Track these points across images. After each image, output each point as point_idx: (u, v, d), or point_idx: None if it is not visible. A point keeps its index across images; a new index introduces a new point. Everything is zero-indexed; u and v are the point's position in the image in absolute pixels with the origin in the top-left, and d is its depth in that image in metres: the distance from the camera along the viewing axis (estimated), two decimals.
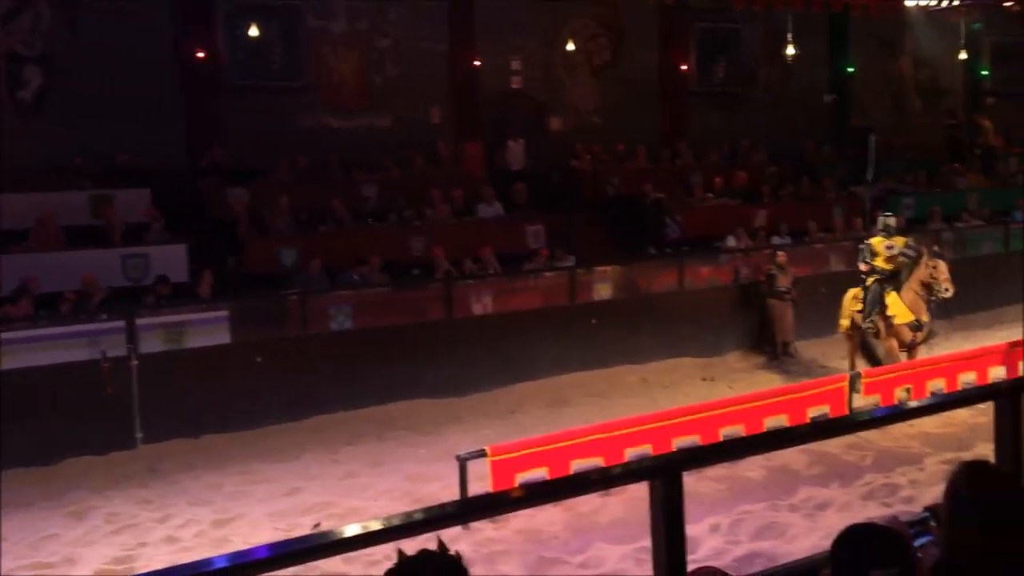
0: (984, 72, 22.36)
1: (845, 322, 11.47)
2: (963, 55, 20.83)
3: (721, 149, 18.41)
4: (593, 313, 12.71)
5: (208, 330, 10.73)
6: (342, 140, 15.71)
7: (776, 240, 15.33)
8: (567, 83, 18.00)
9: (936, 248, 11.42)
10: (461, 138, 16.37)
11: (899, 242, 11.26)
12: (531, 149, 16.72)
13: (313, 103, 15.73)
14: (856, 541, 2.32)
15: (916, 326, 10.81)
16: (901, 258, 11.07)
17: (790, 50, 17.94)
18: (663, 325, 12.91)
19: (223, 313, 10.95)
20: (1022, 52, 22.69)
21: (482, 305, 12.50)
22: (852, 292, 11.47)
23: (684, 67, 18.52)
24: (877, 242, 11.22)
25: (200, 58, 14.42)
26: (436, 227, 14.10)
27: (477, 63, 16.45)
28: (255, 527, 7.63)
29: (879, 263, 11.14)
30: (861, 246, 11.67)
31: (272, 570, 2.90)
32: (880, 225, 11.43)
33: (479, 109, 16.73)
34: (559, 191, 16.14)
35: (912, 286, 10.81)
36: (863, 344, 11.56)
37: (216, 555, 3.39)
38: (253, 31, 14.48)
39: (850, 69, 20.37)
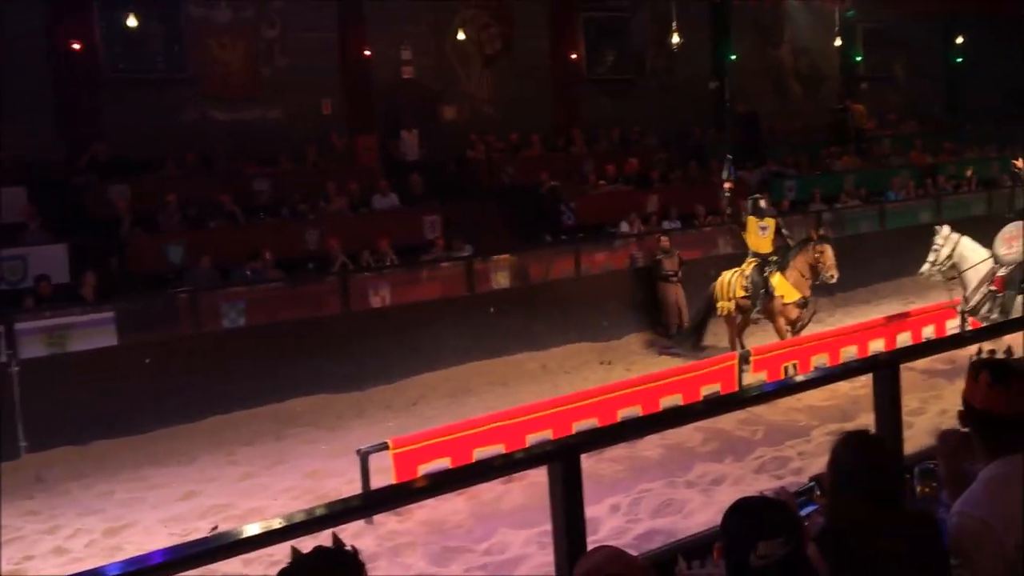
0: (858, 58, 23.38)
1: (728, 305, 11.68)
2: (838, 42, 21.70)
3: (612, 136, 18.72)
4: (492, 302, 12.77)
5: (93, 332, 10.33)
6: (231, 133, 15.31)
7: (667, 224, 15.70)
8: (460, 73, 17.98)
9: (823, 232, 11.84)
10: (354, 129, 16.17)
11: (771, 223, 11.64)
12: (426, 139, 16.65)
13: (198, 95, 15.27)
14: (744, 514, 2.39)
15: (803, 303, 11.25)
16: (777, 240, 11.48)
17: (675, 38, 18.36)
18: (561, 312, 13.09)
19: (109, 314, 10.56)
20: (891, 38, 23.84)
21: (380, 297, 12.41)
22: (727, 275, 11.73)
23: (574, 56, 18.74)
24: (751, 222, 11.57)
25: (75, 49, 13.82)
26: (331, 220, 13.90)
27: (368, 53, 16.26)
28: (149, 534, 7.41)
29: (754, 245, 11.51)
30: (736, 226, 12.05)
31: (168, 575, 2.83)
32: (751, 207, 11.75)
33: (372, 100, 16.56)
34: (455, 181, 16.13)
35: (797, 266, 11.22)
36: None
37: (109, 563, 3.27)
38: (131, 21, 13.93)
39: (732, 57, 20.98)
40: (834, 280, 11.23)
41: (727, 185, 11.76)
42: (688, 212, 16.28)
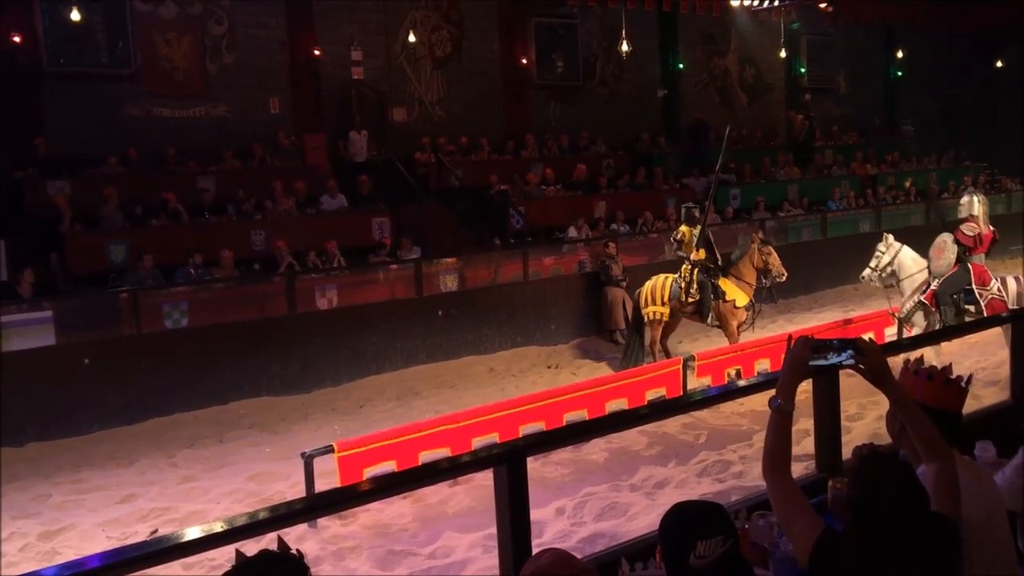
0: (802, 69, 23.85)
1: (662, 309, 11.62)
2: (783, 53, 22.11)
3: (560, 141, 18.84)
4: (440, 305, 12.76)
5: (31, 331, 10.08)
6: (176, 130, 15.07)
7: (616, 228, 15.84)
8: (410, 75, 17.93)
9: (763, 236, 12.04)
10: (302, 129, 16.04)
11: (692, 232, 11.79)
12: (375, 141, 16.57)
13: (143, 91, 14.99)
14: (682, 516, 2.44)
15: (750, 306, 11.45)
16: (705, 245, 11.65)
17: (624, 46, 18.53)
18: (509, 315, 13.13)
19: (47, 313, 10.32)
20: (834, 50, 24.37)
21: (327, 299, 12.30)
22: (658, 280, 11.83)
23: (524, 61, 18.81)
24: (686, 231, 11.73)
25: (16, 43, 13.48)
26: (278, 220, 13.76)
27: (317, 52, 16.14)
28: (86, 538, 7.25)
29: (691, 252, 11.66)
30: (672, 237, 12.19)
31: None
32: (685, 215, 11.92)
33: (321, 99, 16.44)
34: (404, 183, 16.08)
35: (743, 271, 11.41)
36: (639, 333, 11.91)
37: (44, 567, 3.20)
38: (74, 15, 13.62)
39: (680, 65, 21.26)
40: (784, 279, 11.47)
41: (678, 237, 11.85)
42: (635, 218, 16.45)
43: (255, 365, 11.03)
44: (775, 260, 11.35)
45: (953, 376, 3.13)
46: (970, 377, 3.29)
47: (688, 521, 2.40)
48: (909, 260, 10.81)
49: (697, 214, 11.86)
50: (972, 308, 10.17)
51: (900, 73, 25.81)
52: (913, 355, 3.39)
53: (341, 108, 16.83)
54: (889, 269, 10.89)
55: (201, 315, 11.28)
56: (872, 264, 11.01)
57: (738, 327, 11.47)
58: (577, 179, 17.45)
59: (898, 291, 11.00)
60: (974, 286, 10.21)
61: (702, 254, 11.59)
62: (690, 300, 11.48)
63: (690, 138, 20.55)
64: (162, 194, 13.17)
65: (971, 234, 10.46)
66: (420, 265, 13.09)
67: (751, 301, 11.42)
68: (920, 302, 10.53)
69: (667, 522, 2.44)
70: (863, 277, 11.23)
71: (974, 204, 10.74)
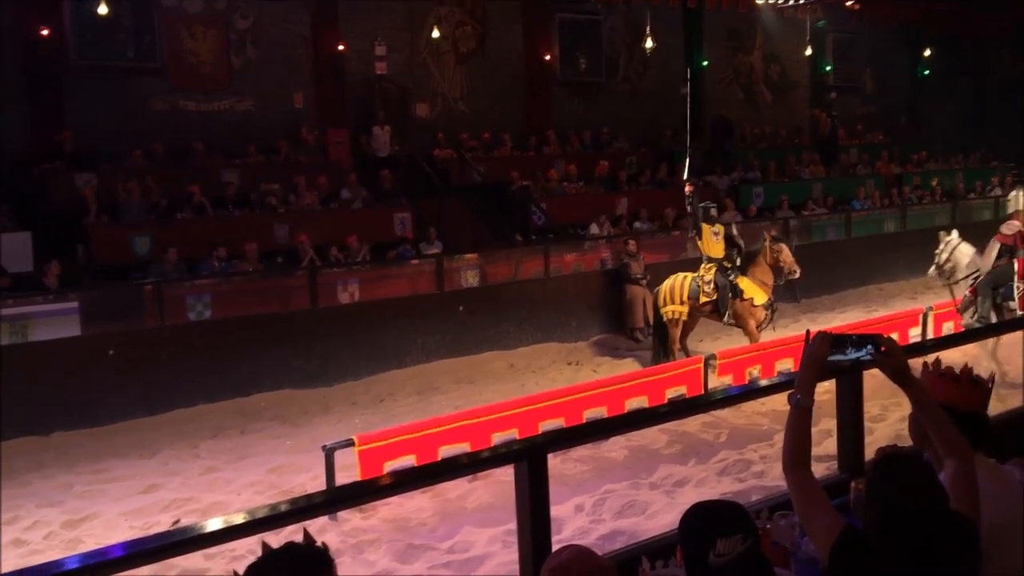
0: (827, 67, 23.68)
1: (680, 308, 11.56)
2: (808, 51, 21.96)
3: (583, 138, 18.80)
4: (461, 300, 12.78)
5: (57, 322, 10.19)
6: (200, 124, 15.18)
7: (639, 225, 15.80)
8: (433, 70, 17.96)
9: (775, 234, 11.96)
10: (326, 123, 16.11)
11: (721, 229, 11.77)
12: (397, 136, 16.61)
13: (168, 85, 15.11)
14: (702, 514, 2.44)
15: (768, 305, 11.40)
16: (728, 243, 11.60)
17: (648, 43, 18.46)
18: (529, 311, 13.12)
19: (72, 304, 10.43)
20: (860, 49, 24.18)
21: (349, 293, 12.35)
22: (677, 279, 11.74)
23: (548, 57, 18.79)
24: (704, 228, 11.68)
25: (43, 36, 13.62)
26: (301, 214, 13.83)
27: (341, 47, 16.20)
28: (109, 527, 7.33)
29: (708, 250, 11.61)
30: (691, 235, 12.12)
31: (128, 569, 2.80)
32: (703, 214, 11.77)
33: (344, 94, 16.50)
34: (426, 178, 16.12)
35: (758, 269, 11.36)
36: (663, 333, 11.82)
37: (68, 556, 3.24)
38: (101, 8, 13.75)
39: (704, 62, 21.15)
40: (797, 275, 11.42)
41: (688, 188, 11.82)
42: (657, 215, 16.40)
43: (277, 358, 11.09)
44: (786, 257, 11.30)
45: (976, 376, 3.10)
46: (993, 376, 3.26)
47: (708, 519, 2.40)
48: (966, 256, 10.76)
49: (714, 212, 11.82)
50: (1012, 304, 10.10)
51: (927, 72, 25.56)
52: (930, 358, 3.36)
53: (364, 103, 16.88)
54: (948, 265, 10.86)
55: (224, 308, 11.36)
56: (935, 261, 11.04)
57: (757, 326, 11.42)
58: (599, 176, 17.41)
59: (960, 286, 10.97)
60: (1016, 280, 10.13)
61: (718, 251, 11.54)
62: (706, 299, 11.44)
63: (714, 135, 20.44)
64: (187, 187, 13.27)
65: (1010, 232, 10.37)
66: (441, 260, 13.11)
67: (769, 300, 11.37)
68: (967, 296, 10.51)
69: (687, 520, 2.44)
70: (929, 274, 11.27)
71: (1020, 200, 10.69)
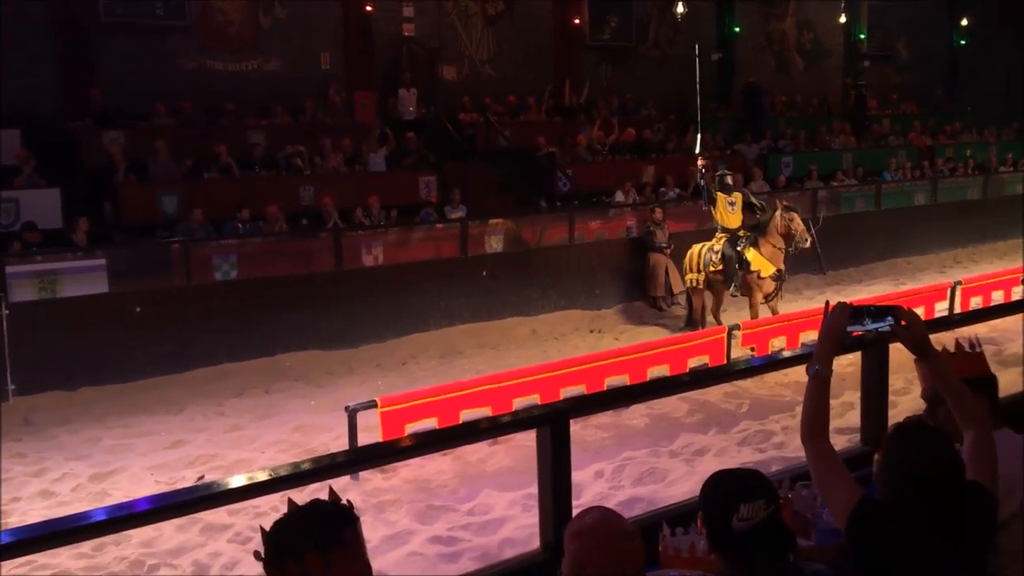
0: (861, 35, 23.26)
1: (697, 276, 11.63)
2: (843, 18, 21.56)
3: (611, 103, 18.62)
4: (485, 265, 12.78)
5: (85, 279, 10.30)
6: (228, 84, 15.18)
7: (665, 192, 15.68)
8: (461, 32, 17.82)
9: (786, 203, 11.81)
10: (353, 85, 16.06)
11: (738, 198, 11.66)
12: (424, 99, 16.53)
13: (196, 44, 15.10)
14: (724, 480, 2.45)
15: (778, 276, 11.31)
16: (747, 213, 11.51)
17: (680, 7, 18.20)
18: (553, 278, 13.11)
19: (100, 261, 10.52)
20: (895, 17, 23.72)
21: (373, 256, 12.38)
22: (696, 248, 11.74)
23: (577, 21, 18.57)
24: (720, 198, 11.58)
25: None
26: (326, 176, 13.84)
27: (369, 8, 16.10)
28: (135, 481, 7.45)
29: (723, 220, 11.52)
30: (705, 208, 11.95)
31: (154, 522, 2.86)
32: (718, 183, 11.69)
33: (371, 56, 16.42)
34: (452, 142, 16.05)
35: (769, 239, 11.25)
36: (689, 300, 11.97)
37: (95, 508, 3.31)
38: None
39: (736, 28, 20.84)
40: (807, 244, 11.37)
41: (700, 162, 11.74)
42: (684, 183, 16.26)
43: (302, 319, 11.16)
44: (798, 225, 11.22)
45: (970, 342, 3.21)
46: (977, 341, 3.30)
47: (730, 485, 2.41)
48: None
49: (730, 181, 11.72)
50: None
51: (964, 42, 25.04)
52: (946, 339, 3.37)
53: (391, 65, 16.80)
54: None
55: (250, 268, 11.43)
56: None
57: (765, 298, 11.31)
58: (624, 142, 17.26)
59: None
60: None
61: (734, 221, 11.47)
62: (714, 269, 11.37)
63: (743, 102, 20.18)
64: (214, 147, 13.30)
65: None
66: (466, 225, 13.09)
67: (778, 271, 11.25)
68: None
69: (709, 486, 2.45)
70: None
71: None
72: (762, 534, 2.32)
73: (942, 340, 3.34)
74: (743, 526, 2.31)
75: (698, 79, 12.69)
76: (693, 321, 11.90)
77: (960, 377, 2.94)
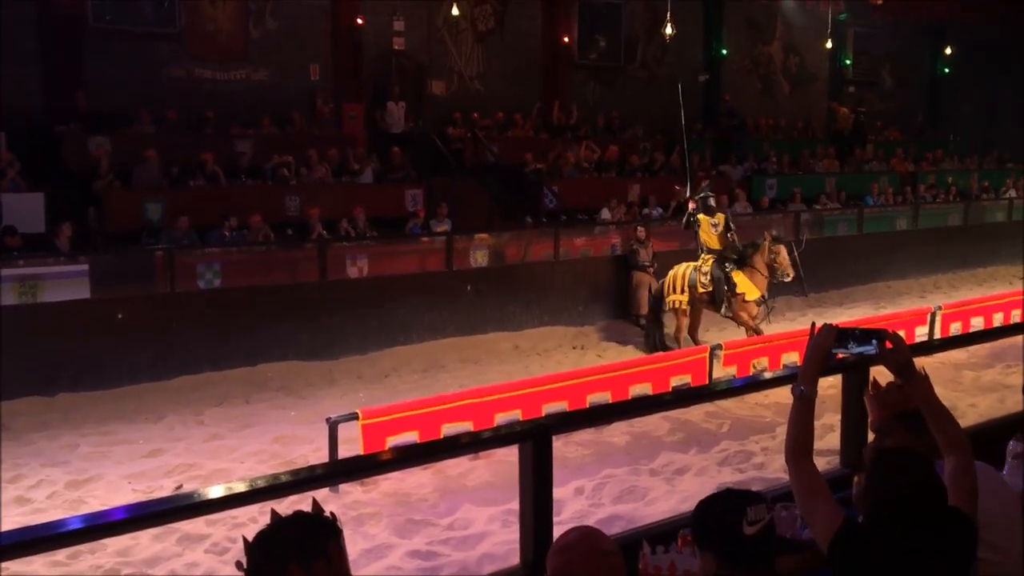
0: (847, 61, 23.52)
1: (680, 298, 11.60)
2: (829, 44, 21.81)
3: (596, 123, 18.73)
4: (469, 280, 12.78)
5: (67, 284, 10.22)
6: (215, 93, 15.16)
7: (649, 212, 15.75)
8: (451, 47, 17.88)
9: (775, 234, 11.91)
10: (341, 97, 16.07)
11: (721, 219, 11.75)
12: (412, 112, 16.57)
13: (185, 53, 15.08)
14: (720, 495, 2.51)
15: (762, 301, 11.40)
16: (728, 235, 11.59)
17: (668, 29, 18.34)
18: (537, 294, 13.13)
19: (83, 267, 10.45)
20: (880, 44, 24.00)
21: (358, 268, 12.37)
22: (679, 269, 11.78)
23: (566, 39, 18.69)
24: (703, 220, 11.66)
25: None
26: (312, 187, 13.83)
27: (359, 21, 16.14)
28: (113, 489, 7.39)
29: (707, 241, 11.60)
30: (684, 228, 12.05)
31: (130, 531, 2.84)
32: (701, 206, 11.74)
33: (360, 68, 16.45)
34: (439, 156, 16.08)
35: (756, 266, 11.37)
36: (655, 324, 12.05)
37: (70, 516, 3.27)
38: None
39: (723, 51, 21.03)
40: (788, 279, 11.48)
41: (691, 205, 11.83)
42: (669, 202, 16.34)
43: (284, 329, 11.12)
44: (782, 260, 11.34)
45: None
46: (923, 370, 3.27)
47: (729, 496, 2.47)
48: None
49: (713, 203, 11.79)
50: None
51: (947, 70, 25.36)
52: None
53: (380, 78, 16.84)
54: None
55: (234, 277, 11.39)
56: None
57: (751, 319, 11.42)
58: (609, 160, 17.34)
59: None
60: None
61: (716, 242, 11.56)
62: (702, 290, 11.45)
63: (723, 121, 20.23)
64: (200, 155, 13.27)
65: None
66: (452, 239, 13.11)
67: (762, 296, 11.36)
68: None
69: (708, 505, 2.49)
70: None
71: None
72: (768, 539, 2.39)
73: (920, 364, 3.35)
74: (755, 528, 2.35)
75: (682, 104, 12.73)
76: (655, 342, 11.97)
77: (904, 408, 2.96)
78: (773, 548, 2.43)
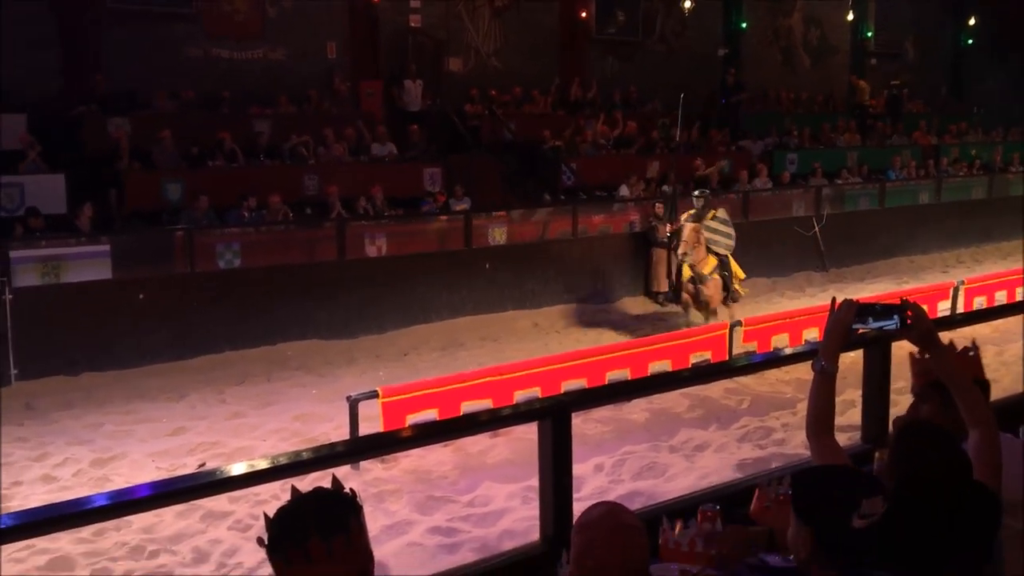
0: (868, 33, 23.20)
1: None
2: (850, 15, 21.52)
3: (613, 99, 18.59)
4: (488, 258, 12.78)
5: (88, 265, 10.31)
6: (233, 72, 15.15)
7: (668, 188, 15.66)
8: (468, 24, 17.77)
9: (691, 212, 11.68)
10: (358, 75, 16.03)
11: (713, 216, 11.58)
12: (430, 90, 16.51)
13: (202, 32, 15.07)
14: (833, 476, 2.34)
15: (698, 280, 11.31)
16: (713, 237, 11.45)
17: (687, 2, 18.16)
18: (556, 271, 13.11)
19: (105, 247, 10.54)
20: (902, 15, 23.64)
21: (376, 247, 12.38)
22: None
23: (584, 14, 18.53)
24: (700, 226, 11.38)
25: None
26: (331, 165, 13.83)
27: None
28: (137, 467, 7.48)
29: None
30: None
31: (154, 508, 2.87)
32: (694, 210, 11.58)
33: (377, 46, 16.38)
34: (457, 134, 16.03)
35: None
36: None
37: (96, 493, 3.32)
38: None
39: (743, 24, 20.79)
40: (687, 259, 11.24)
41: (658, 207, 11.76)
42: (688, 178, 16.22)
43: (304, 308, 11.18)
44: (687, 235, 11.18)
45: (965, 346, 3.21)
46: (974, 343, 3.30)
47: (844, 480, 2.30)
48: None
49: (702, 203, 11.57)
50: None
51: (971, 41, 24.97)
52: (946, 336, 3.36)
53: (397, 56, 16.77)
54: None
55: (253, 257, 11.44)
56: None
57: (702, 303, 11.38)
58: (627, 135, 17.22)
59: None
60: None
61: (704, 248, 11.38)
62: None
63: (731, 97, 19.90)
64: (218, 135, 13.30)
65: None
66: (470, 217, 13.09)
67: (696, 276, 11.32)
68: None
69: (821, 486, 2.32)
70: None
71: None
72: (875, 531, 2.21)
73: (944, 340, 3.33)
74: (863, 523, 2.20)
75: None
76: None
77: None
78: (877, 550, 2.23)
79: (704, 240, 11.30)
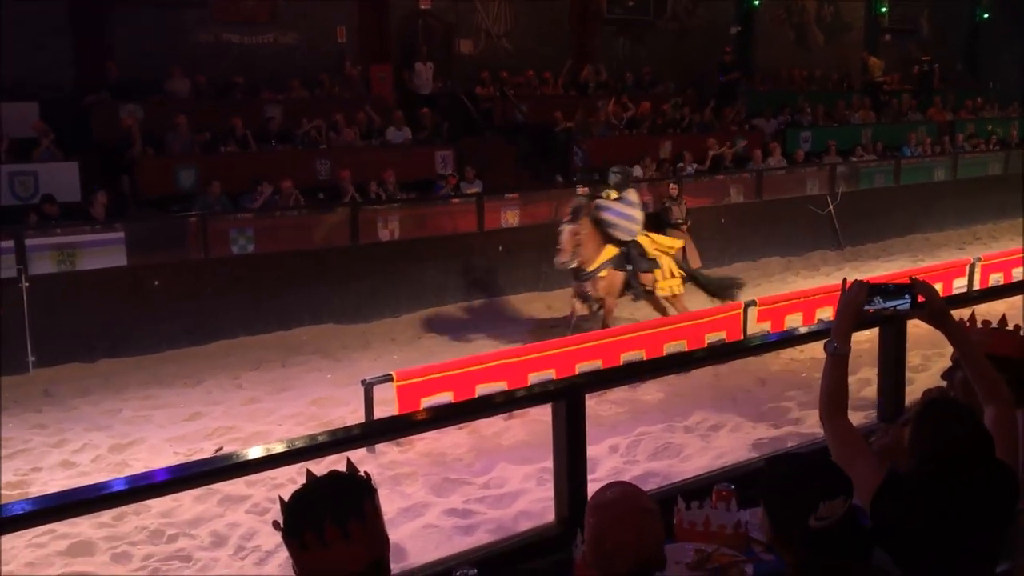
0: (882, 9, 22.94)
1: (674, 282, 10.42)
2: None
3: (625, 79, 18.47)
4: (501, 240, 12.76)
5: (103, 252, 10.36)
6: (243, 57, 15.13)
7: (683, 168, 15.58)
8: (478, 5, 17.68)
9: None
10: (369, 59, 15.98)
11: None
12: (440, 73, 16.45)
13: (212, 17, 15.05)
14: (799, 473, 2.32)
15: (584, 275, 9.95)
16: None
17: None
18: None
19: (119, 234, 10.58)
20: None
21: (389, 231, 12.39)
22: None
23: None
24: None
25: None
26: (343, 150, 13.82)
27: None
28: (154, 452, 7.53)
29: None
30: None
31: (173, 493, 2.89)
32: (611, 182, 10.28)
33: (388, 29, 16.32)
34: (468, 117, 15.98)
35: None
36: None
37: (115, 478, 3.35)
38: None
39: (755, 2, 20.60)
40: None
41: (581, 189, 10.99)
42: (702, 159, 16.15)
43: (318, 293, 11.21)
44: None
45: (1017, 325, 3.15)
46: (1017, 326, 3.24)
47: (807, 479, 2.28)
48: None
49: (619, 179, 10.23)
50: None
51: (986, 16, 24.66)
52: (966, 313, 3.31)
53: (407, 39, 16.71)
54: None
55: (267, 242, 11.46)
56: None
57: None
58: (640, 116, 17.12)
59: None
60: None
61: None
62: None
63: (725, 76, 19.51)
64: (230, 121, 13.30)
65: None
66: (482, 200, 13.06)
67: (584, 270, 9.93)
68: None
69: (780, 478, 2.33)
70: None
71: None
72: (836, 532, 2.22)
73: (980, 314, 3.31)
74: (821, 525, 2.20)
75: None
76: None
77: (988, 352, 2.90)
78: (839, 548, 2.23)
79: (595, 232, 9.82)
